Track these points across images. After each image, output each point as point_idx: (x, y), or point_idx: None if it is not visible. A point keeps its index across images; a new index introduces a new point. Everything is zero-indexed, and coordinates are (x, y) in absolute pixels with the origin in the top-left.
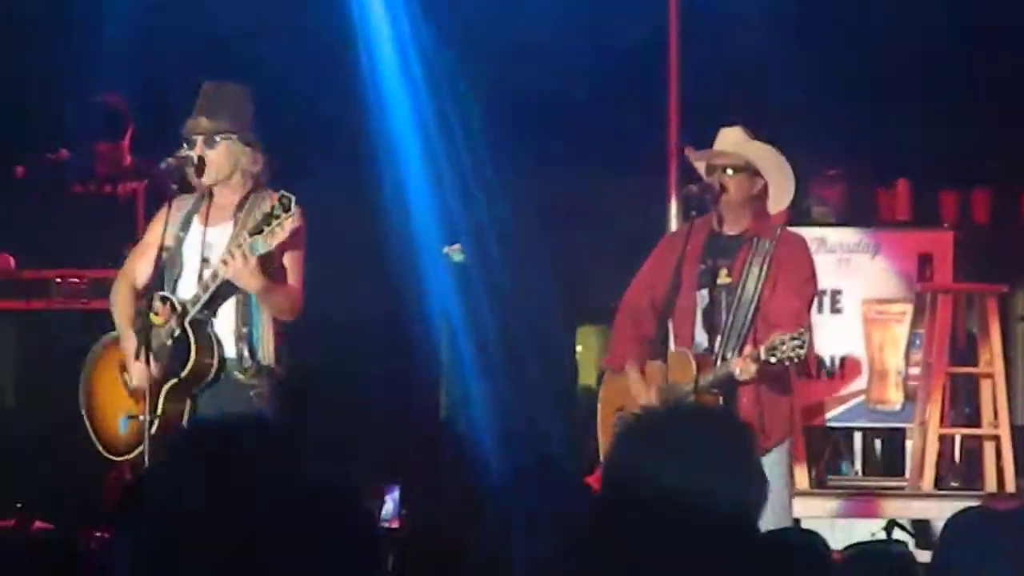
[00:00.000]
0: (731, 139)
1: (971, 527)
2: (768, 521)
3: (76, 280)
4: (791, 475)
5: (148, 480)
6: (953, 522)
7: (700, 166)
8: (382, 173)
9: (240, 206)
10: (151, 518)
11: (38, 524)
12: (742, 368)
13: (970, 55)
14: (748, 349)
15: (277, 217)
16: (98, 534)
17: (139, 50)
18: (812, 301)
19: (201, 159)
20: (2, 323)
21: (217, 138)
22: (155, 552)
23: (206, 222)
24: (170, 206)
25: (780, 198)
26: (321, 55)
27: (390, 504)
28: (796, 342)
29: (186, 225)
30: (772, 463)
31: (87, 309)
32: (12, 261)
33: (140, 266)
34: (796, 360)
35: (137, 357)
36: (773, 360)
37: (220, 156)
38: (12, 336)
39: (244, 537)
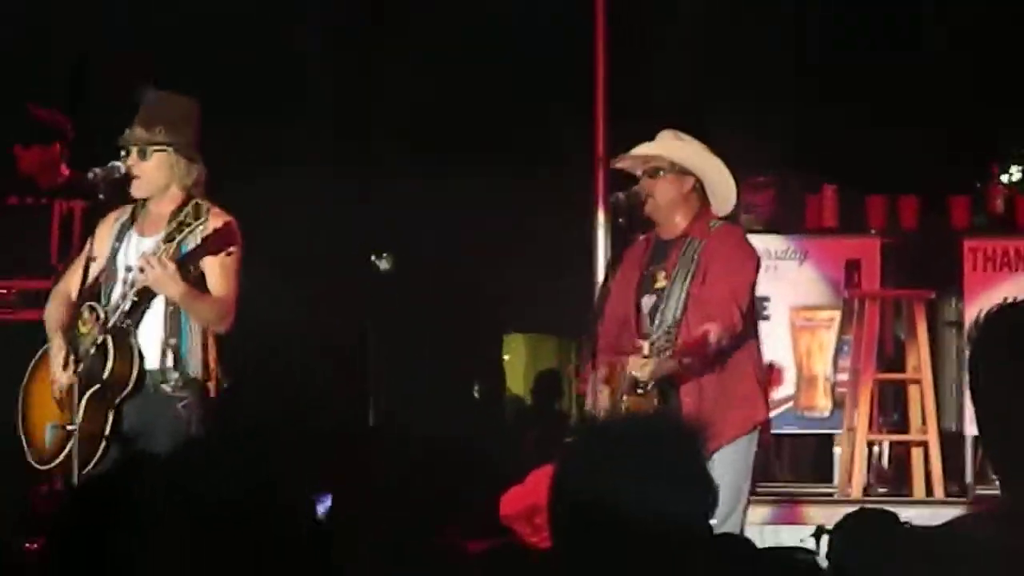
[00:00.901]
0: (658, 142)
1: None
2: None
3: (4, 291)
4: (745, 478)
5: (80, 491)
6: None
7: (637, 173)
8: (308, 180)
9: (172, 217)
10: (84, 529)
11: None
12: (634, 367)
13: (895, 60)
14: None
15: (188, 224)
16: (28, 544)
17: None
18: (745, 285)
19: (129, 169)
20: None
21: (150, 150)
22: (87, 563)
23: (141, 232)
24: (107, 218)
25: (723, 195)
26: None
27: (321, 510)
28: (667, 335)
29: (121, 236)
30: (719, 464)
31: (15, 320)
32: None
33: (75, 277)
34: (669, 351)
35: (65, 366)
36: (657, 353)
37: (152, 168)
38: None
39: (177, 546)
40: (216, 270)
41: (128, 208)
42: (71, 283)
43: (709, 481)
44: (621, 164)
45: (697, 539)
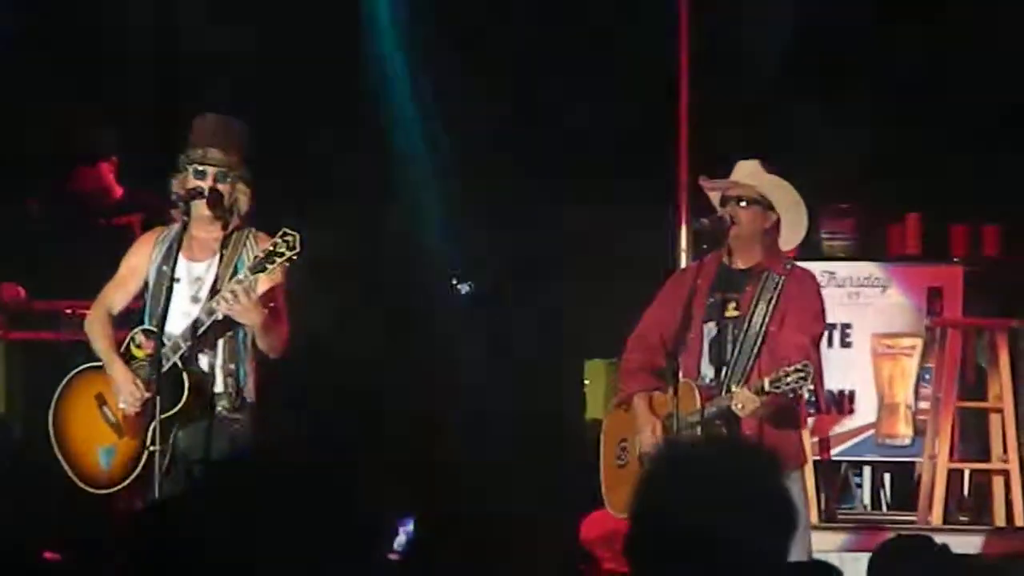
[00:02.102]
0: (747, 171)
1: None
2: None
3: (85, 312)
4: (804, 509)
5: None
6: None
7: (714, 197)
8: (387, 204)
9: (225, 242)
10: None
11: (47, 555)
12: (742, 402)
13: (981, 89)
14: (752, 381)
15: (281, 254)
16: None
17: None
18: (819, 338)
19: (215, 191)
20: (13, 353)
21: (232, 173)
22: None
23: (191, 257)
24: (144, 239)
25: (792, 234)
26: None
27: (403, 537)
28: (800, 374)
29: (167, 259)
30: None
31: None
32: (23, 292)
33: (117, 297)
34: (798, 392)
35: (138, 388)
36: (778, 391)
37: (227, 191)
38: (22, 366)
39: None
40: (280, 297)
41: (167, 230)
42: (111, 300)
43: (792, 505)
44: (711, 188)
45: (777, 564)
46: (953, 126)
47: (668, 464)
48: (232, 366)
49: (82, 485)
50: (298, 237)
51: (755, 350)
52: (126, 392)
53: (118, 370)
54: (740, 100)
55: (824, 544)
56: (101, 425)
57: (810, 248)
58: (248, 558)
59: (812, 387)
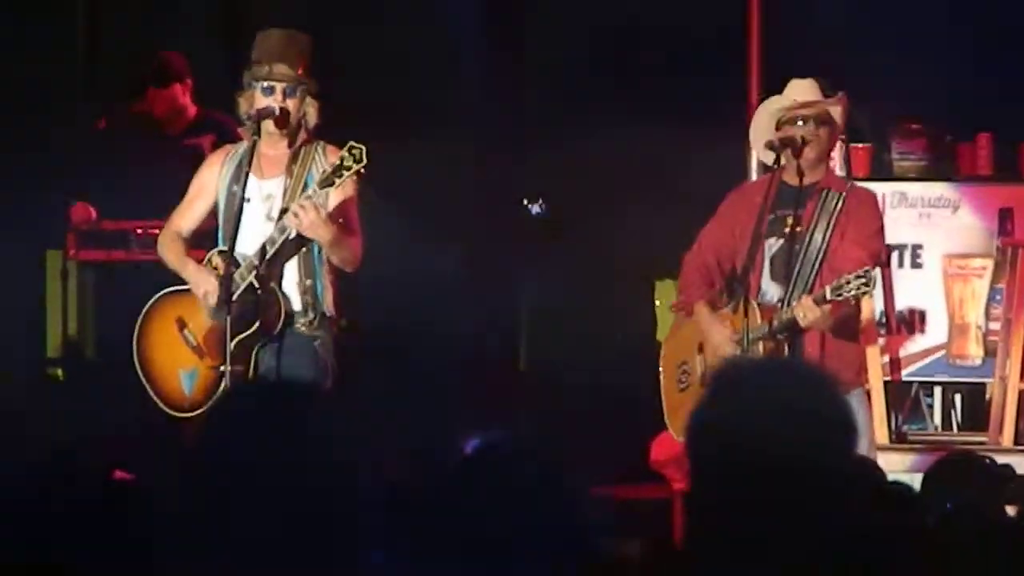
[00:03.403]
0: (811, 90)
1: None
2: None
3: (156, 231)
4: (868, 427)
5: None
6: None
7: (764, 119)
8: (452, 128)
9: (293, 158)
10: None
11: (117, 474)
12: (804, 311)
13: None
14: (819, 287)
15: (348, 168)
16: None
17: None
18: (879, 255)
19: (283, 109)
20: (84, 273)
21: (299, 88)
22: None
23: (260, 175)
24: (212, 159)
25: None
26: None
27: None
28: (862, 279)
29: (237, 178)
30: None
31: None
32: (94, 212)
33: (186, 218)
34: (860, 297)
35: (219, 307)
36: (839, 298)
37: (296, 106)
38: (92, 286)
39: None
40: (352, 212)
41: (235, 149)
42: (180, 221)
43: (852, 421)
44: (783, 109)
45: (839, 475)
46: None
47: (721, 382)
48: (309, 282)
49: (166, 409)
50: (365, 150)
51: (816, 265)
52: (207, 289)
53: (192, 271)
54: (813, 20)
55: (894, 464)
56: (183, 349)
57: (881, 168)
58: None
59: (872, 292)
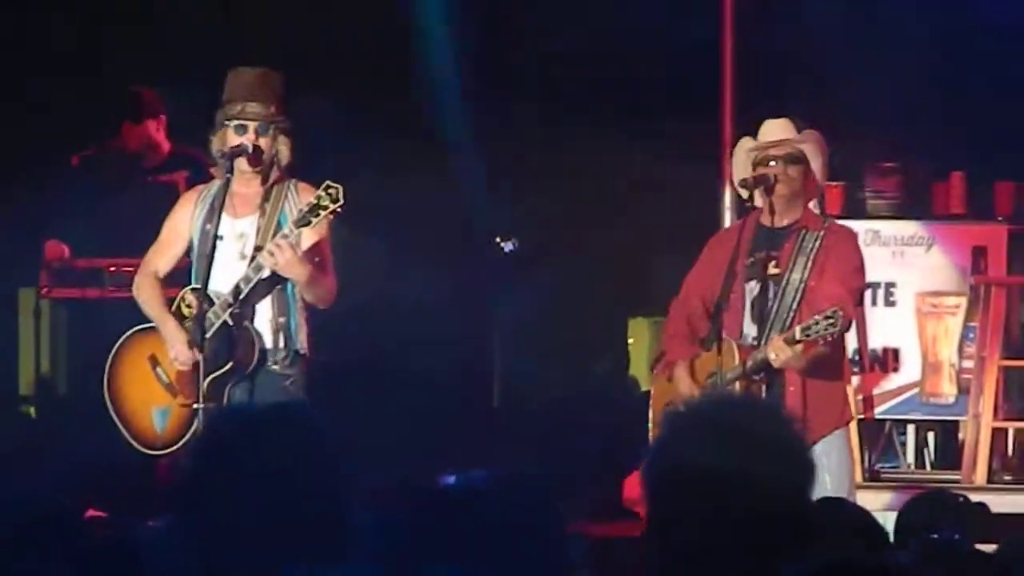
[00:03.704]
0: (783, 130)
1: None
2: None
3: (129, 269)
4: (849, 466)
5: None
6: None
7: (746, 159)
8: (427, 158)
9: (266, 196)
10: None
11: (91, 512)
12: (776, 350)
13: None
14: (786, 333)
15: (325, 207)
16: (151, 522)
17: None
18: (859, 291)
19: (256, 147)
20: (56, 311)
21: (272, 127)
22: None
23: (233, 213)
24: (186, 197)
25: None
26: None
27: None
28: (830, 320)
29: (210, 217)
30: (823, 453)
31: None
32: (67, 250)
33: (162, 260)
34: (829, 339)
35: (191, 347)
36: (808, 339)
37: (268, 144)
38: (65, 323)
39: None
40: (326, 250)
41: (207, 188)
42: (157, 263)
43: (808, 457)
44: (756, 148)
45: (798, 510)
46: (998, 85)
47: (679, 418)
48: (282, 320)
49: (138, 447)
50: (341, 189)
51: (795, 305)
52: (179, 351)
53: (170, 329)
54: (784, 59)
55: (868, 503)
56: (155, 386)
57: (855, 207)
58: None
59: (843, 331)
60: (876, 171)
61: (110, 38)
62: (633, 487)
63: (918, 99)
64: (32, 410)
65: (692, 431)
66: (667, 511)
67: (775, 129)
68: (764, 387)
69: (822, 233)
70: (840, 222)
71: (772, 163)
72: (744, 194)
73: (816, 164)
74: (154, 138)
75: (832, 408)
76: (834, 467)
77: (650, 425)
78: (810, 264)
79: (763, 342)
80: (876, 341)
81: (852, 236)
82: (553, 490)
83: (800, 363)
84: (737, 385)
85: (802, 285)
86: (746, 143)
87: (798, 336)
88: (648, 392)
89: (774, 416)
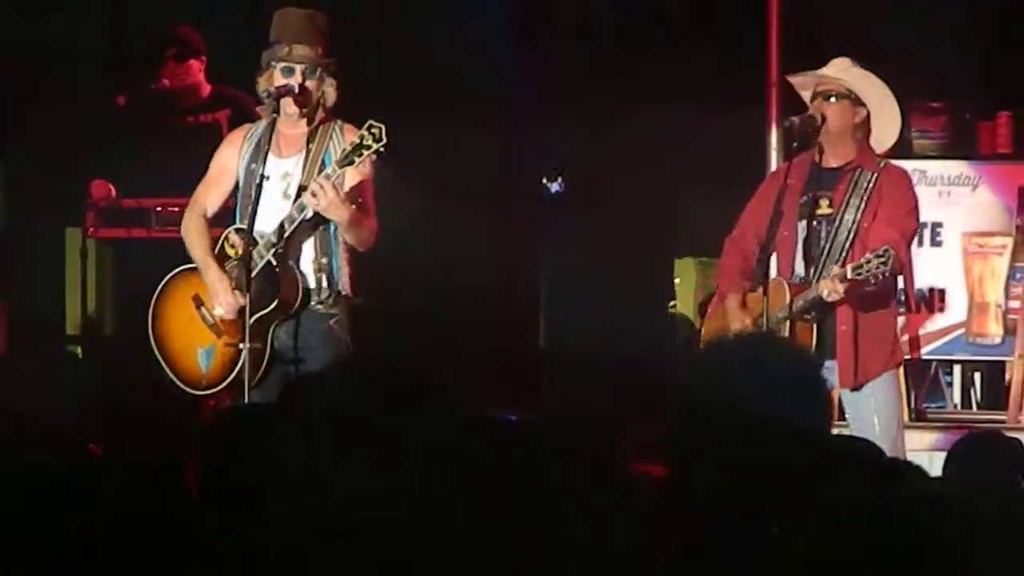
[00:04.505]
0: (837, 66)
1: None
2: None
3: (175, 208)
4: (899, 408)
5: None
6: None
7: (805, 95)
8: (472, 103)
9: (311, 137)
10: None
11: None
12: (829, 288)
13: None
14: (836, 270)
15: (368, 147)
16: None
17: None
18: (912, 234)
19: (303, 88)
20: (103, 251)
21: (319, 69)
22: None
23: (279, 153)
24: (231, 138)
25: (886, 132)
26: None
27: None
28: (880, 259)
29: (256, 156)
30: (871, 394)
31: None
32: (113, 190)
33: (210, 198)
34: (881, 277)
35: (233, 294)
36: (859, 277)
37: (315, 86)
38: (112, 263)
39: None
40: (368, 191)
41: (253, 127)
42: (206, 202)
43: (825, 397)
44: (798, 81)
45: (815, 441)
46: None
47: (700, 358)
48: (324, 260)
49: (182, 386)
50: (383, 128)
51: (847, 245)
52: (223, 298)
53: (214, 276)
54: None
55: (914, 443)
56: (200, 326)
57: (901, 146)
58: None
59: (894, 272)
60: (922, 110)
61: None
62: None
63: (964, 37)
64: (79, 350)
65: (712, 370)
66: (686, 449)
67: (829, 67)
68: (815, 327)
69: (876, 174)
70: (894, 162)
71: (829, 99)
72: (793, 134)
73: (873, 106)
74: (196, 77)
75: (883, 349)
76: (882, 407)
77: (701, 342)
78: (863, 205)
79: (814, 281)
80: (922, 281)
81: (906, 177)
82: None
83: (852, 300)
84: (787, 324)
85: (855, 226)
86: (808, 76)
87: (849, 275)
88: (697, 331)
89: (792, 352)
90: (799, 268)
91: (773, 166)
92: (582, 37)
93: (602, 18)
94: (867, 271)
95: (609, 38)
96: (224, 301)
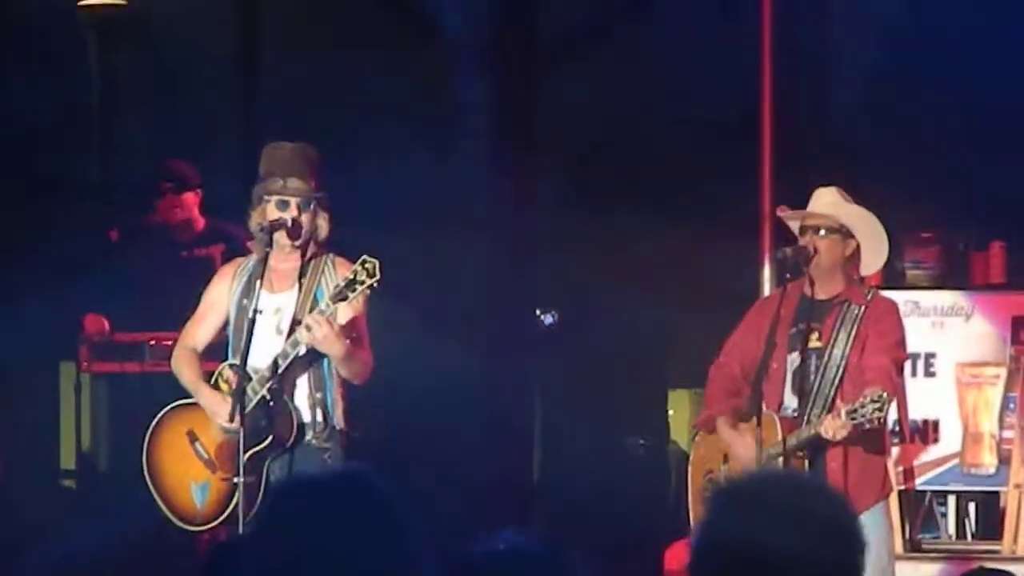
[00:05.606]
0: (825, 200)
1: None
2: None
3: (169, 342)
4: (889, 539)
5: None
6: None
7: (794, 226)
8: (464, 234)
9: (304, 271)
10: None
11: None
12: (833, 428)
13: None
14: (837, 406)
15: (361, 282)
16: None
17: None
18: (902, 363)
19: (297, 222)
20: (97, 385)
21: (310, 201)
22: None
23: (270, 288)
24: (223, 272)
25: (873, 261)
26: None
27: None
28: (876, 404)
29: (247, 291)
30: (865, 523)
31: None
32: (106, 324)
33: (200, 333)
34: (875, 423)
35: (231, 420)
36: (854, 422)
37: (310, 219)
38: (106, 398)
39: None
40: (362, 325)
41: (244, 262)
42: (195, 338)
43: (860, 533)
44: (789, 218)
45: None
46: None
47: (728, 494)
48: (319, 395)
49: (177, 523)
50: (378, 264)
51: (837, 379)
52: (220, 414)
53: (207, 395)
54: (824, 128)
55: (909, 574)
56: (194, 462)
57: (893, 277)
58: None
59: (888, 415)
60: (915, 241)
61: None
62: (673, 558)
63: (957, 168)
64: (73, 484)
65: (740, 509)
66: None
67: (817, 199)
68: (807, 463)
69: (864, 307)
70: (883, 293)
71: (817, 232)
72: (785, 266)
73: (862, 237)
74: (191, 212)
75: (873, 481)
76: (873, 539)
77: (690, 491)
78: (852, 338)
79: (805, 417)
80: (916, 412)
81: (894, 308)
82: (589, 562)
83: (847, 440)
84: (780, 461)
85: (843, 361)
86: (797, 212)
87: (844, 419)
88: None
89: (823, 493)
90: (788, 400)
91: (766, 295)
92: (571, 171)
93: (591, 149)
94: (862, 416)
95: (600, 168)
96: (221, 417)
